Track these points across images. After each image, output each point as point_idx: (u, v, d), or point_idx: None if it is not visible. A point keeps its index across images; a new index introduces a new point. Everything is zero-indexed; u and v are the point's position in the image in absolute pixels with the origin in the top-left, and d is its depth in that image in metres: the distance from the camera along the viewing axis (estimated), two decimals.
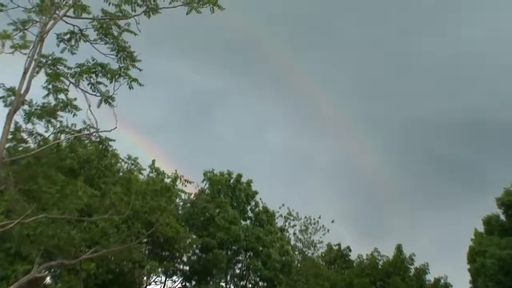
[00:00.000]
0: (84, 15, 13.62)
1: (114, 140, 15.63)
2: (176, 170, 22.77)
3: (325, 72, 51.24)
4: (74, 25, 13.92)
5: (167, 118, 51.26)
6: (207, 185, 30.34)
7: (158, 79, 42.46)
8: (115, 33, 13.37)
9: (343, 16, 50.02)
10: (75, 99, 14.84)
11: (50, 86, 13.45)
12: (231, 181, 31.15)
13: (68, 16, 13.91)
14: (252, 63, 51.12)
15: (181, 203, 28.40)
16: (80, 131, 15.19)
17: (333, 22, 50.72)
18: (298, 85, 49.14)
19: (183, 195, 23.10)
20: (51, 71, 14.16)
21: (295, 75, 47.77)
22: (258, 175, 43.10)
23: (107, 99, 12.84)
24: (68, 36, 13.01)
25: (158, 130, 47.51)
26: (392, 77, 53.04)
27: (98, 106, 12.89)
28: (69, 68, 13.28)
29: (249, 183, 31.17)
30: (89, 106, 14.43)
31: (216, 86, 53.80)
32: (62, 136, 13.94)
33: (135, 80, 12.73)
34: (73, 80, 13.99)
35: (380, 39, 51.67)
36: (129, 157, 17.30)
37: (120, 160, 19.33)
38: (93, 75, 12.75)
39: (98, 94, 14.26)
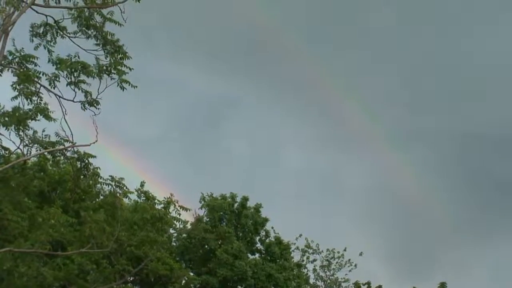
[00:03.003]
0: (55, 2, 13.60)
1: (94, 157, 15.63)
2: (171, 194, 22.66)
3: (356, 78, 51.21)
4: (46, 15, 13.97)
5: (165, 132, 51.29)
6: (205, 212, 30.16)
7: (154, 85, 42.68)
8: (98, 24, 13.41)
9: (380, 11, 50.06)
10: (46, 105, 14.87)
11: (18, 87, 13.45)
12: (235, 205, 30.95)
13: (37, 5, 13.92)
14: (268, 65, 51.04)
15: (175, 234, 28.24)
16: (54, 145, 15.18)
17: (369, 18, 50.68)
18: (324, 93, 48.98)
19: (178, 224, 22.91)
20: (18, 71, 14.21)
21: (321, 81, 47.69)
22: (274, 200, 42.87)
23: (91, 102, 12.79)
24: (42, 29, 12.98)
25: (153, 146, 47.56)
26: (437, 82, 52.93)
27: (83, 107, 12.86)
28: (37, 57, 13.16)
29: (257, 208, 30.88)
30: (65, 114, 14.47)
31: (225, 93, 53.58)
32: (33, 151, 13.83)
33: (126, 81, 12.68)
34: (46, 82, 14.02)
35: (423, 38, 51.67)
36: (113, 179, 17.17)
37: (102, 181, 19.24)
38: (74, 73, 12.70)
39: (76, 100, 14.30)
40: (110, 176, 18.08)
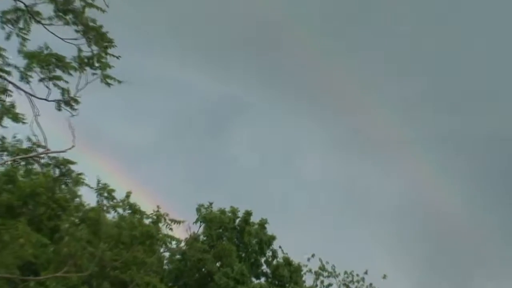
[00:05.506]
0: None
1: (75, 163, 15.74)
2: (158, 207, 22.78)
3: (376, 78, 51.62)
4: (16, 0, 14.07)
5: (161, 138, 51.35)
6: (201, 228, 30.24)
7: (149, 86, 42.97)
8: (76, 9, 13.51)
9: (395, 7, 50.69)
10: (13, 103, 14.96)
11: None
12: (237, 221, 31.01)
13: None
14: (279, 66, 51.56)
15: (168, 255, 28.31)
16: (26, 152, 15.28)
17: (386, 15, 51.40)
18: (341, 94, 49.46)
19: (171, 243, 23.00)
20: None
21: (337, 82, 48.18)
22: (283, 215, 43.13)
23: (68, 101, 12.89)
24: (14, 15, 13.09)
25: (146, 154, 47.80)
26: (466, 81, 53.32)
27: (58, 107, 12.92)
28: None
29: (262, 224, 30.96)
30: (36, 115, 14.54)
31: (230, 94, 54.35)
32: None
33: (109, 77, 12.76)
34: (16, 79, 14.10)
35: (448, 37, 52.10)
36: (104, 187, 17.25)
37: (92, 189, 19.24)
38: (48, 67, 12.80)
39: (50, 99, 14.38)
40: (101, 183, 18.06)
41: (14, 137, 19.80)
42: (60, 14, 13.02)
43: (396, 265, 43.68)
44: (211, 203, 30.59)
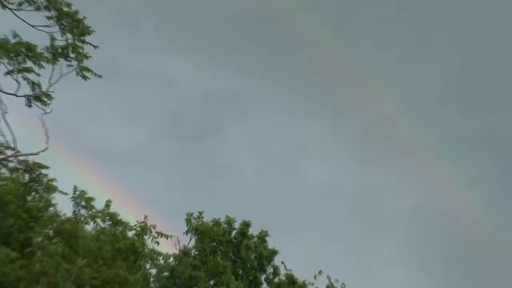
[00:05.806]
0: None
1: (47, 167, 15.55)
2: (145, 217, 22.59)
3: (390, 71, 51.87)
4: None
5: (149, 139, 51.76)
6: (193, 241, 30.05)
7: (138, 80, 42.96)
8: None
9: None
10: None
11: None
12: (233, 233, 30.83)
13: None
14: (282, 59, 51.95)
15: (155, 272, 28.12)
16: None
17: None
18: (352, 90, 49.72)
19: (158, 258, 22.83)
20: None
21: (347, 76, 48.40)
22: (286, 227, 43.18)
23: (40, 97, 12.73)
24: None
25: (133, 157, 47.85)
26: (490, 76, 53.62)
27: (29, 104, 12.77)
28: None
29: (262, 236, 30.79)
30: (4, 113, 14.38)
31: (226, 90, 54.78)
32: None
33: (87, 69, 12.60)
34: None
35: (472, 32, 52.75)
36: (81, 194, 17.03)
37: (54, 199, 19.01)
38: (17, 58, 12.65)
39: (19, 94, 14.19)
40: (78, 191, 17.81)
41: None
42: None
43: (413, 281, 43.81)
44: (201, 213, 30.32)
